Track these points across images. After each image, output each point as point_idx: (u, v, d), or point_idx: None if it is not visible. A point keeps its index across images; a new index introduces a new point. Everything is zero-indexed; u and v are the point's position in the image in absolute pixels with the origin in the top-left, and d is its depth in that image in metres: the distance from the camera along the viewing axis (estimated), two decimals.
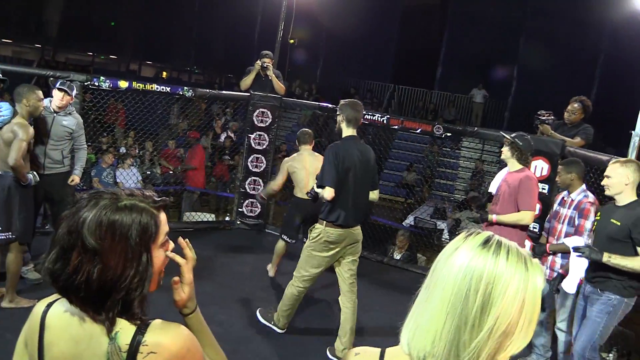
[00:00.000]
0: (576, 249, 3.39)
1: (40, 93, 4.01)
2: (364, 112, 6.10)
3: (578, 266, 3.68)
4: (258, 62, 6.09)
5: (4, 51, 20.64)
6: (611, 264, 3.25)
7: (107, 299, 1.12)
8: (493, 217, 3.97)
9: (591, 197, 3.97)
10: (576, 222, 3.93)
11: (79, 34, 21.32)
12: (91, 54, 21.82)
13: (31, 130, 3.91)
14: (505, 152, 4.02)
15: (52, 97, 4.40)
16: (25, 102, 3.89)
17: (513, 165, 4.00)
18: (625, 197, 3.35)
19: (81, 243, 1.11)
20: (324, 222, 3.71)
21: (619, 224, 3.31)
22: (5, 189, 3.82)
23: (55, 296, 1.21)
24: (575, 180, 4.00)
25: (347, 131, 3.74)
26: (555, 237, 4.08)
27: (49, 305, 1.21)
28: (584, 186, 4.04)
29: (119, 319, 1.13)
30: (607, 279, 3.35)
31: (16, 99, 3.89)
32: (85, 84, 5.33)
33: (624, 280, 3.29)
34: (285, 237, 5.14)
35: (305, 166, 4.93)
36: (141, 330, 1.13)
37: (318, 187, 3.69)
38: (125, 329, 1.13)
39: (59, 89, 4.38)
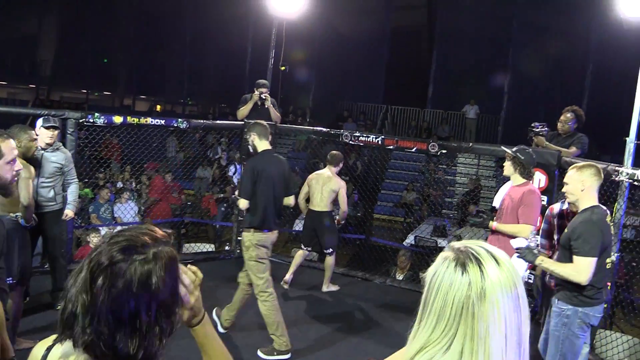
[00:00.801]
0: (517, 249, 3.32)
1: (32, 133, 4.02)
2: (358, 134, 6.18)
3: (519, 268, 3.54)
4: (256, 92, 6.15)
5: None
6: (541, 267, 3.23)
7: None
8: (493, 224, 3.99)
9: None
10: None
11: (72, 72, 21.55)
12: (85, 91, 21.99)
13: (32, 168, 3.91)
14: (508, 167, 4.00)
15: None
16: (17, 143, 3.88)
17: (516, 179, 3.98)
18: (582, 204, 3.23)
19: (149, 304, 1.07)
20: (251, 229, 4.10)
21: (566, 231, 3.26)
22: (5, 233, 3.80)
23: (53, 338, 1.18)
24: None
25: (262, 145, 4.17)
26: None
27: (49, 349, 1.18)
28: None
29: None
30: (560, 287, 3.23)
31: None
32: (80, 120, 5.35)
33: (570, 288, 3.14)
34: (303, 246, 5.80)
35: (319, 183, 5.58)
36: None
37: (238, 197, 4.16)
38: None
39: (46, 127, 4.39)
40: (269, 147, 4.20)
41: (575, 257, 3.09)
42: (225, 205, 9.49)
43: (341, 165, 5.76)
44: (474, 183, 12.15)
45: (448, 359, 1.00)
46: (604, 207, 3.31)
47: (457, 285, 1.01)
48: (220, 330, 4.38)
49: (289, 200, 4.35)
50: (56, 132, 4.44)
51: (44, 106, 14.83)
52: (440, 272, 1.05)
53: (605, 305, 4.08)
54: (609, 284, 4.15)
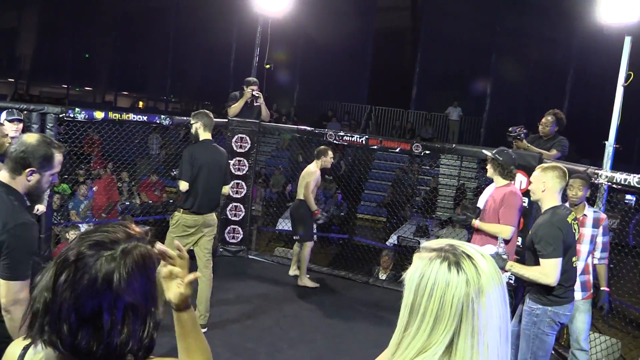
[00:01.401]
0: None
1: (4, 128, 3.90)
2: (343, 134, 6.19)
3: None
4: (247, 90, 6.15)
5: None
6: (512, 272, 3.26)
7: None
8: (475, 222, 4.05)
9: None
10: (603, 239, 4.03)
11: (52, 67, 21.21)
12: (65, 86, 21.64)
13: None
14: (489, 169, 4.08)
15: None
16: None
17: (498, 180, 4.04)
18: (544, 204, 3.30)
19: (114, 302, 1.03)
20: (181, 209, 4.33)
21: (530, 232, 3.32)
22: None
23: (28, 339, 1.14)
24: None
25: (204, 135, 4.38)
26: (580, 259, 3.87)
27: (26, 349, 1.14)
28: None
29: None
30: (530, 287, 3.30)
31: None
32: (60, 115, 5.26)
33: (538, 288, 3.20)
34: (294, 237, 6.14)
35: (302, 175, 5.91)
36: None
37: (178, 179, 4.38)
38: None
39: (9, 121, 4.32)
40: (210, 138, 4.43)
41: (541, 260, 3.14)
42: None
43: (323, 158, 5.84)
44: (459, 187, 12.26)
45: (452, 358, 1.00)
46: (567, 207, 3.40)
47: (455, 285, 1.00)
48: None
49: (226, 190, 4.59)
50: (20, 124, 4.36)
51: (23, 101, 14.56)
52: (430, 273, 1.03)
53: (604, 307, 4.16)
54: (607, 288, 4.16)
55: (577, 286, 3.76)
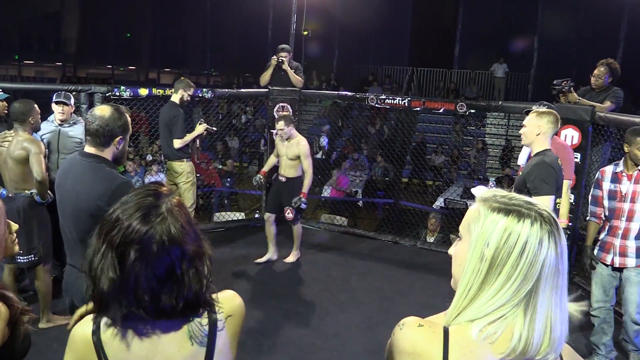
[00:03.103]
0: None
1: (37, 106, 3.97)
2: (384, 97, 6.10)
3: None
4: (274, 57, 6.12)
5: (27, 72, 21.16)
6: None
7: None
8: (562, 221, 3.73)
9: None
10: None
11: (97, 48, 21.72)
12: (110, 66, 22.17)
13: (42, 144, 3.89)
14: None
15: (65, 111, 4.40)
16: (32, 120, 3.85)
17: None
18: (535, 147, 3.39)
19: (181, 254, 1.16)
20: (184, 159, 5.27)
21: (520, 174, 3.40)
22: (21, 211, 3.75)
23: (91, 317, 1.21)
24: None
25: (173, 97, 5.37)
26: (625, 219, 3.57)
27: (97, 326, 1.19)
28: None
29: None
30: None
31: (19, 118, 3.80)
32: (107, 95, 5.41)
33: None
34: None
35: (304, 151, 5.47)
36: (211, 308, 1.23)
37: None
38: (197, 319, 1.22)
39: (56, 103, 4.36)
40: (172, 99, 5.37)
41: (536, 198, 3.05)
42: (229, 179, 9.63)
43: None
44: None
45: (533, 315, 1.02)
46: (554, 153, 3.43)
47: (546, 247, 1.02)
48: None
49: (175, 143, 5.24)
50: (66, 107, 4.39)
51: (71, 83, 15.02)
52: (521, 232, 1.02)
53: None
54: None
55: (632, 251, 3.54)
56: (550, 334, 1.01)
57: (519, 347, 0.99)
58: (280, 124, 5.12)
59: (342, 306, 4.54)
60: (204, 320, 1.21)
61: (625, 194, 3.57)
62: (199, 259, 1.19)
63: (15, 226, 1.53)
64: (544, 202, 2.97)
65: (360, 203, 9.47)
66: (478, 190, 3.44)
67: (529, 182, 3.26)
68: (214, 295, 1.25)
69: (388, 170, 10.49)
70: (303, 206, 5.22)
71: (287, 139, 5.20)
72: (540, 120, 3.36)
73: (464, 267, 1.06)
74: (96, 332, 1.18)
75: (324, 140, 12.04)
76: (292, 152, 5.19)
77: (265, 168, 5.56)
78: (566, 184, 3.75)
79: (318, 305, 4.53)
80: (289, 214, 5.21)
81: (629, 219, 3.55)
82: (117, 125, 2.33)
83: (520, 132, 3.52)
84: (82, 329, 1.20)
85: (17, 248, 1.55)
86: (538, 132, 3.35)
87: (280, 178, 5.32)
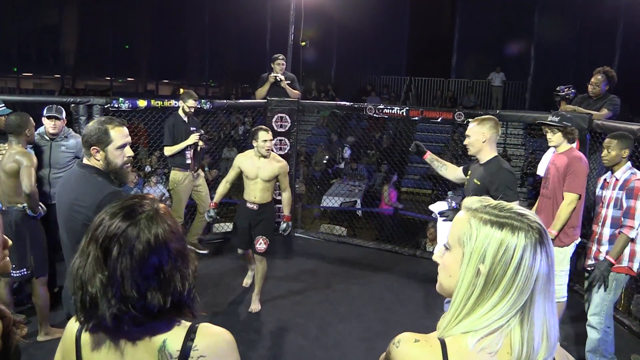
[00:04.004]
0: (441, 214, 3.42)
1: (32, 120, 3.94)
2: (382, 107, 6.11)
3: (445, 231, 3.52)
4: (272, 75, 6.23)
5: (26, 84, 21.18)
6: None
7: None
8: (552, 231, 3.66)
9: None
10: (624, 204, 3.45)
11: (95, 60, 21.77)
12: (109, 78, 22.22)
13: (34, 157, 3.86)
14: (554, 136, 3.78)
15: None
16: (27, 132, 3.84)
17: (563, 146, 3.80)
18: (484, 155, 3.43)
19: (167, 253, 1.16)
20: (178, 168, 5.42)
21: (479, 183, 3.37)
22: (13, 224, 3.73)
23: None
24: (626, 157, 3.55)
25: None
26: (601, 224, 3.61)
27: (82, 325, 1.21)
28: (629, 164, 3.57)
29: (167, 329, 1.18)
30: None
31: (15, 131, 3.78)
32: (106, 106, 5.42)
33: None
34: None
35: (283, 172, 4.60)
36: (190, 336, 1.17)
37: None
38: (174, 336, 1.17)
39: (48, 117, 4.30)
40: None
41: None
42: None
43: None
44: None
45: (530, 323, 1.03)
46: None
47: (539, 260, 1.02)
48: None
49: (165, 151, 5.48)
50: (58, 121, 4.32)
51: (70, 94, 15.05)
52: (516, 247, 1.02)
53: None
54: (611, 258, 3.59)
55: (603, 256, 3.54)
56: (547, 341, 1.02)
57: (522, 357, 1.00)
58: (268, 135, 4.34)
59: (342, 316, 4.52)
60: (175, 345, 1.16)
61: (604, 200, 3.62)
62: (182, 261, 1.19)
63: (9, 242, 1.52)
64: None
65: (359, 213, 9.45)
66: (437, 207, 3.50)
67: (494, 191, 3.27)
68: (199, 326, 1.20)
69: (389, 179, 10.49)
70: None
71: (264, 156, 4.39)
72: (483, 127, 3.39)
73: (458, 280, 1.07)
74: (80, 332, 1.21)
75: (347, 152, 12.02)
76: (268, 172, 4.40)
77: (217, 199, 4.64)
78: (569, 197, 3.67)
79: (318, 315, 4.51)
80: (261, 245, 4.45)
81: (603, 224, 3.60)
82: (90, 135, 2.34)
83: (465, 143, 3.53)
84: (72, 326, 1.24)
85: (9, 265, 1.54)
86: (484, 139, 3.39)
87: (251, 206, 4.48)
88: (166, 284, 1.14)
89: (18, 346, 1.43)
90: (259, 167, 4.40)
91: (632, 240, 3.45)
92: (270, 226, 4.61)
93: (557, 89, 5.09)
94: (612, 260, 3.47)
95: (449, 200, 3.56)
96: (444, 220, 3.47)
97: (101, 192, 2.25)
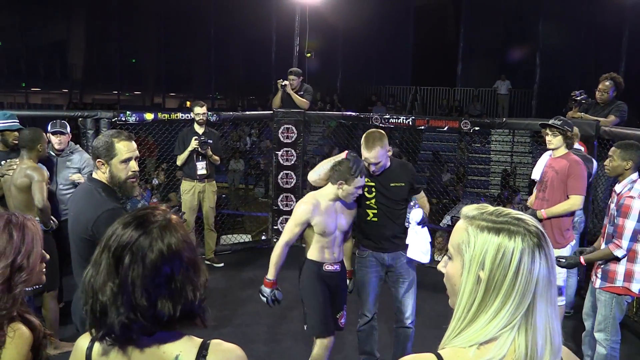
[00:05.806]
0: (420, 222, 3.43)
1: (45, 135, 3.98)
2: (388, 117, 6.11)
3: (424, 237, 3.53)
4: (279, 81, 6.35)
5: (34, 99, 21.43)
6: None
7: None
8: (542, 212, 3.80)
9: (636, 191, 3.22)
10: (616, 221, 3.24)
11: (102, 74, 22.02)
12: (116, 92, 22.43)
13: (46, 171, 3.87)
14: (557, 140, 3.82)
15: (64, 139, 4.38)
16: (40, 147, 3.85)
17: (560, 150, 3.86)
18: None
19: (179, 262, 1.16)
20: (185, 178, 5.61)
21: (403, 184, 3.47)
22: None
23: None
24: (630, 168, 3.29)
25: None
26: (603, 237, 3.45)
27: (92, 341, 1.21)
28: (634, 176, 3.30)
29: (178, 341, 1.18)
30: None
31: (28, 145, 3.81)
32: (113, 120, 5.46)
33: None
34: None
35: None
36: (202, 352, 1.17)
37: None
38: (186, 352, 1.17)
39: (53, 133, 4.30)
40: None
41: (419, 196, 3.58)
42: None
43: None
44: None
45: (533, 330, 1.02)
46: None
47: (538, 263, 1.02)
48: None
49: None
50: (63, 137, 4.32)
51: (78, 109, 15.17)
52: (514, 251, 1.01)
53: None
54: (584, 263, 3.51)
55: (599, 271, 3.39)
56: (550, 345, 1.01)
57: None
58: (363, 180, 3.11)
59: (351, 327, 4.48)
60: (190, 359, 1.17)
61: (608, 213, 3.44)
62: (194, 271, 1.19)
63: (47, 257, 1.57)
64: (424, 200, 3.54)
65: None
66: (416, 214, 3.51)
67: (417, 184, 3.55)
68: (211, 342, 1.20)
69: None
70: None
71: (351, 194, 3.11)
72: (385, 140, 3.39)
73: (460, 289, 1.07)
74: (90, 348, 1.21)
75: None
76: (349, 217, 3.32)
77: (273, 274, 3.49)
78: (574, 199, 3.70)
79: None
80: (342, 320, 3.55)
81: (603, 238, 3.45)
82: (97, 148, 2.38)
83: (377, 161, 3.34)
84: (83, 342, 1.24)
85: (44, 278, 1.61)
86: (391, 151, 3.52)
87: (331, 268, 3.36)
88: (177, 293, 1.14)
89: (48, 359, 1.44)
90: (343, 210, 3.26)
91: (631, 260, 3.27)
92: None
93: (573, 93, 5.09)
94: (582, 261, 3.41)
95: (416, 205, 3.51)
96: (422, 228, 3.46)
97: (99, 208, 2.25)
